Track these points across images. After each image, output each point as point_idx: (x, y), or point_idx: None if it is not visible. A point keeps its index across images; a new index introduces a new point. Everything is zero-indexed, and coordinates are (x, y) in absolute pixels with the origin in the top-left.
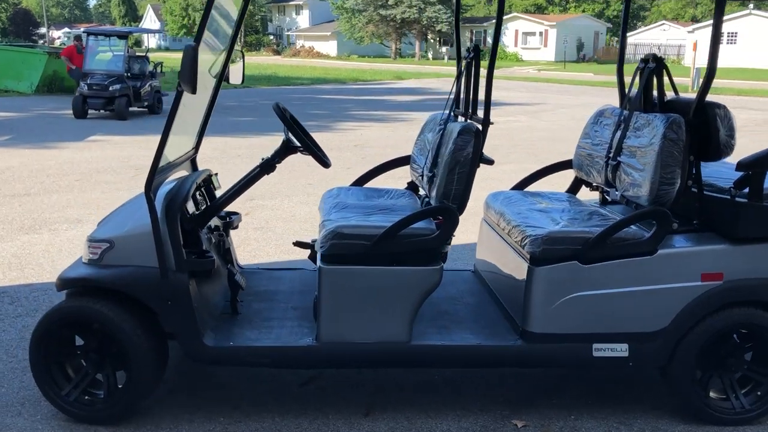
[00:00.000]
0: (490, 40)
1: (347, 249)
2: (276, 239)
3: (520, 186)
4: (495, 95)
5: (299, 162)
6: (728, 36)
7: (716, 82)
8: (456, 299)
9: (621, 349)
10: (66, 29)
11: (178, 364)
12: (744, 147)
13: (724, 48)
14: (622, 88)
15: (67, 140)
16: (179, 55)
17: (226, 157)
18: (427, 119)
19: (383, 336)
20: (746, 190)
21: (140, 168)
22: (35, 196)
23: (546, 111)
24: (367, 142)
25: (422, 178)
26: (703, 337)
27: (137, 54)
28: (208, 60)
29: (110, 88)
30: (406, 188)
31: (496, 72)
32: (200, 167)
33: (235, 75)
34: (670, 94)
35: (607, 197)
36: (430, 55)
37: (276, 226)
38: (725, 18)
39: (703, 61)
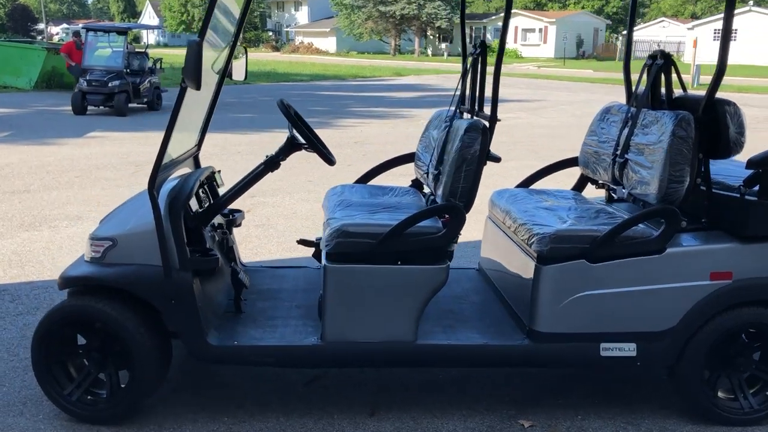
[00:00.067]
0: (489, 36)
1: (352, 247)
2: (278, 236)
3: (526, 183)
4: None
5: (300, 159)
6: None
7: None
8: (461, 298)
9: (629, 349)
10: (64, 25)
11: (182, 363)
12: (746, 144)
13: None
14: (629, 84)
15: (66, 136)
16: (178, 51)
17: (227, 154)
18: (431, 116)
19: (389, 335)
20: (756, 188)
21: (140, 164)
22: (35, 192)
23: (546, 108)
24: (368, 138)
25: (427, 176)
26: (712, 336)
27: (136, 50)
28: (210, 56)
29: (109, 85)
30: (411, 186)
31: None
32: (201, 164)
33: (238, 71)
34: (677, 91)
35: (613, 195)
36: (429, 52)
37: (277, 223)
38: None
39: (702, 58)
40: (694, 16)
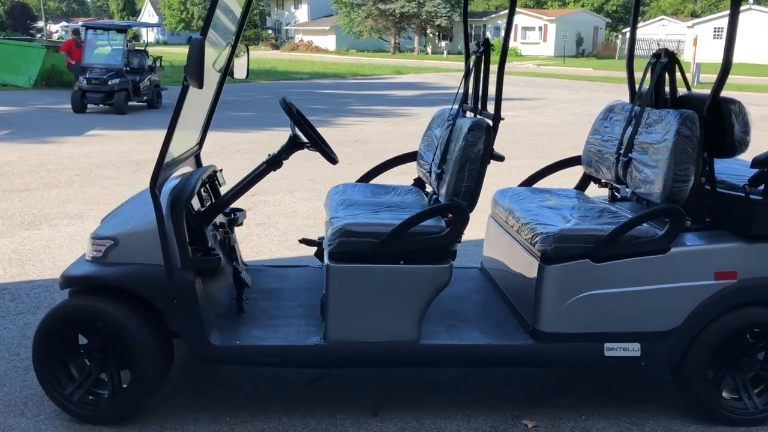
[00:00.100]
0: (489, 34)
1: (355, 247)
2: (279, 235)
3: (528, 182)
4: (490, 90)
5: (300, 157)
6: None
7: (714, 77)
8: (463, 297)
9: (633, 349)
10: (64, 23)
11: (184, 363)
12: (750, 143)
13: (724, 43)
14: (632, 83)
15: (66, 135)
16: (177, 49)
17: (227, 152)
18: (434, 115)
19: (392, 335)
20: (761, 187)
21: (140, 163)
22: (35, 191)
23: (546, 106)
24: (368, 137)
25: (430, 175)
26: (717, 336)
27: (136, 48)
28: (212, 54)
29: (109, 83)
30: (413, 185)
31: (495, 67)
32: (202, 163)
33: (240, 70)
34: (681, 90)
35: (616, 194)
36: (429, 50)
37: (278, 221)
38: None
39: (702, 57)
40: (693, 15)
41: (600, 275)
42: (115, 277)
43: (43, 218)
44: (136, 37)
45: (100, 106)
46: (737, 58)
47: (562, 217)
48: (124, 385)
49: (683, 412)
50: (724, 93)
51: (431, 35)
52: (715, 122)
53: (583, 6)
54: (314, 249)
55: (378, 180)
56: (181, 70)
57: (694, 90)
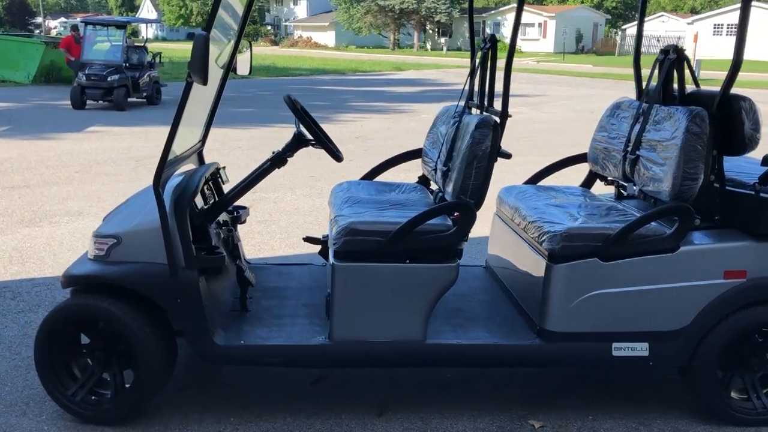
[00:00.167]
0: (489, 30)
1: (361, 245)
2: (280, 232)
3: (534, 180)
4: (496, 87)
5: (301, 154)
6: (728, 27)
7: (716, 74)
8: (469, 296)
9: (641, 349)
10: (62, 19)
11: (188, 362)
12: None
13: (725, 39)
14: (639, 80)
15: (65, 131)
16: (176, 45)
17: (227, 149)
18: (439, 112)
19: (398, 334)
20: None
21: (140, 159)
22: (35, 188)
23: (546, 103)
24: (369, 133)
25: (435, 172)
26: (726, 336)
27: (135, 44)
28: (214, 51)
29: (108, 79)
30: (417, 182)
31: (499, 64)
32: (205, 160)
33: (243, 66)
34: (689, 87)
35: (622, 192)
36: (428, 46)
37: (280, 219)
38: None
39: (702, 53)
40: (693, 11)
41: (608, 274)
42: (118, 276)
43: (43, 215)
44: (135, 33)
45: (100, 102)
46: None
47: (569, 216)
48: (127, 385)
49: (691, 412)
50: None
51: (431, 31)
52: (725, 119)
53: (582, 2)
54: (317, 247)
55: (381, 177)
56: (180, 67)
57: (703, 87)
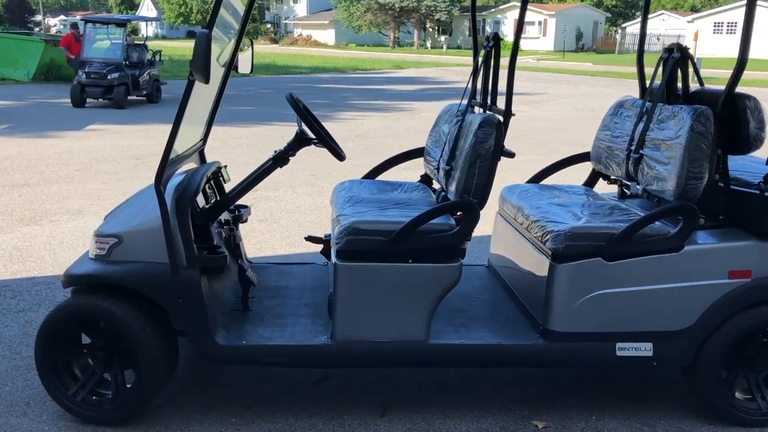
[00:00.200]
0: (489, 29)
1: (363, 245)
2: (281, 231)
3: (536, 179)
4: (499, 86)
5: (302, 152)
6: (728, 26)
7: (717, 72)
8: (471, 296)
9: (645, 349)
10: (62, 17)
11: (189, 361)
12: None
13: (724, 38)
14: (643, 78)
15: (65, 129)
16: (177, 44)
17: (227, 147)
18: (441, 110)
19: (400, 335)
20: None
21: (140, 158)
22: (35, 186)
23: (547, 101)
24: (369, 132)
25: (438, 171)
26: (730, 336)
27: (135, 42)
28: (215, 49)
29: (108, 77)
30: (419, 181)
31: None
32: (206, 159)
33: (244, 64)
34: (693, 86)
35: (626, 191)
36: (428, 44)
37: (280, 217)
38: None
39: (702, 52)
40: (693, 9)
41: (612, 274)
42: (119, 276)
43: (43, 214)
44: (135, 31)
45: (100, 100)
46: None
47: (572, 215)
48: (128, 385)
49: (695, 413)
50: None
51: (430, 29)
52: (730, 118)
53: (582, 0)
54: (319, 245)
55: (382, 176)
56: (180, 65)
57: (707, 86)
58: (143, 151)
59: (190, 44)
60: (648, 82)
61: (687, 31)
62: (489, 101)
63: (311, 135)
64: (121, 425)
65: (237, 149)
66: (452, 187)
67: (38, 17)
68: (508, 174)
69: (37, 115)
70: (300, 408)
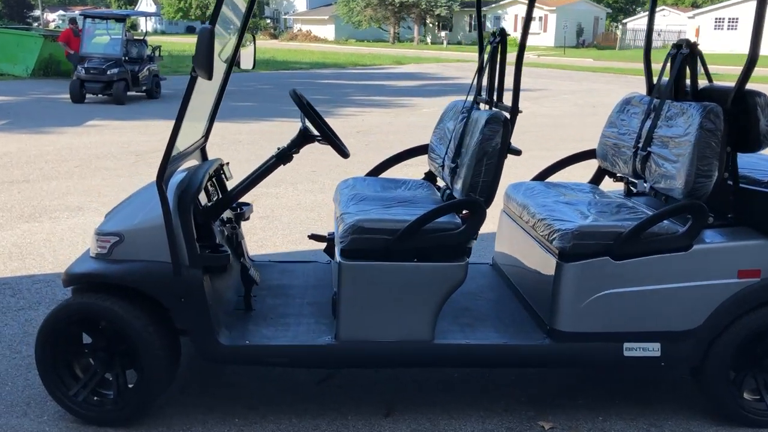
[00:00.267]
0: (489, 24)
1: (368, 244)
2: (282, 228)
3: (541, 176)
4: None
5: (303, 149)
6: (729, 21)
7: (719, 68)
8: (476, 295)
9: (653, 349)
10: (61, 12)
11: (191, 361)
12: None
13: (726, 34)
14: (650, 75)
15: (65, 125)
16: (176, 39)
17: (227, 143)
18: (446, 107)
19: (405, 334)
20: None
21: (140, 154)
22: (34, 182)
23: (548, 97)
24: (370, 128)
25: (443, 169)
26: (739, 336)
27: (135, 37)
28: (217, 45)
29: (108, 72)
30: (424, 178)
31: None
32: (207, 156)
33: (246, 60)
34: (702, 82)
35: (632, 189)
36: (428, 40)
37: (282, 214)
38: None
39: (703, 47)
40: (694, 5)
41: (620, 273)
42: (121, 275)
43: (43, 210)
44: (134, 26)
45: (99, 96)
46: (740, 48)
47: (579, 213)
48: (130, 386)
49: (703, 413)
50: (731, 83)
51: (431, 25)
52: (740, 116)
53: None
54: (321, 243)
55: (385, 173)
56: (179, 60)
57: (716, 82)
58: (143, 147)
59: (190, 39)
60: (655, 79)
61: (688, 27)
62: (495, 98)
63: (315, 132)
64: (122, 426)
65: (237, 145)
66: (458, 185)
67: (37, 12)
68: (510, 170)
69: (36, 111)
70: (303, 408)
